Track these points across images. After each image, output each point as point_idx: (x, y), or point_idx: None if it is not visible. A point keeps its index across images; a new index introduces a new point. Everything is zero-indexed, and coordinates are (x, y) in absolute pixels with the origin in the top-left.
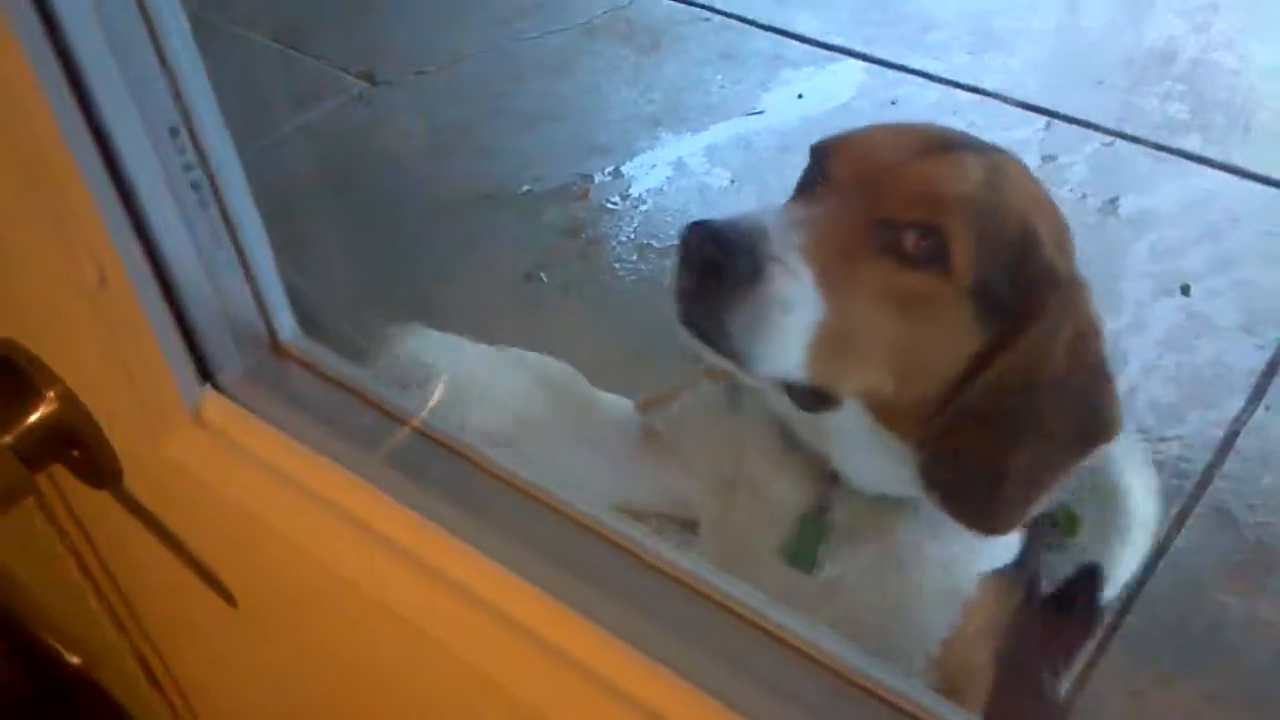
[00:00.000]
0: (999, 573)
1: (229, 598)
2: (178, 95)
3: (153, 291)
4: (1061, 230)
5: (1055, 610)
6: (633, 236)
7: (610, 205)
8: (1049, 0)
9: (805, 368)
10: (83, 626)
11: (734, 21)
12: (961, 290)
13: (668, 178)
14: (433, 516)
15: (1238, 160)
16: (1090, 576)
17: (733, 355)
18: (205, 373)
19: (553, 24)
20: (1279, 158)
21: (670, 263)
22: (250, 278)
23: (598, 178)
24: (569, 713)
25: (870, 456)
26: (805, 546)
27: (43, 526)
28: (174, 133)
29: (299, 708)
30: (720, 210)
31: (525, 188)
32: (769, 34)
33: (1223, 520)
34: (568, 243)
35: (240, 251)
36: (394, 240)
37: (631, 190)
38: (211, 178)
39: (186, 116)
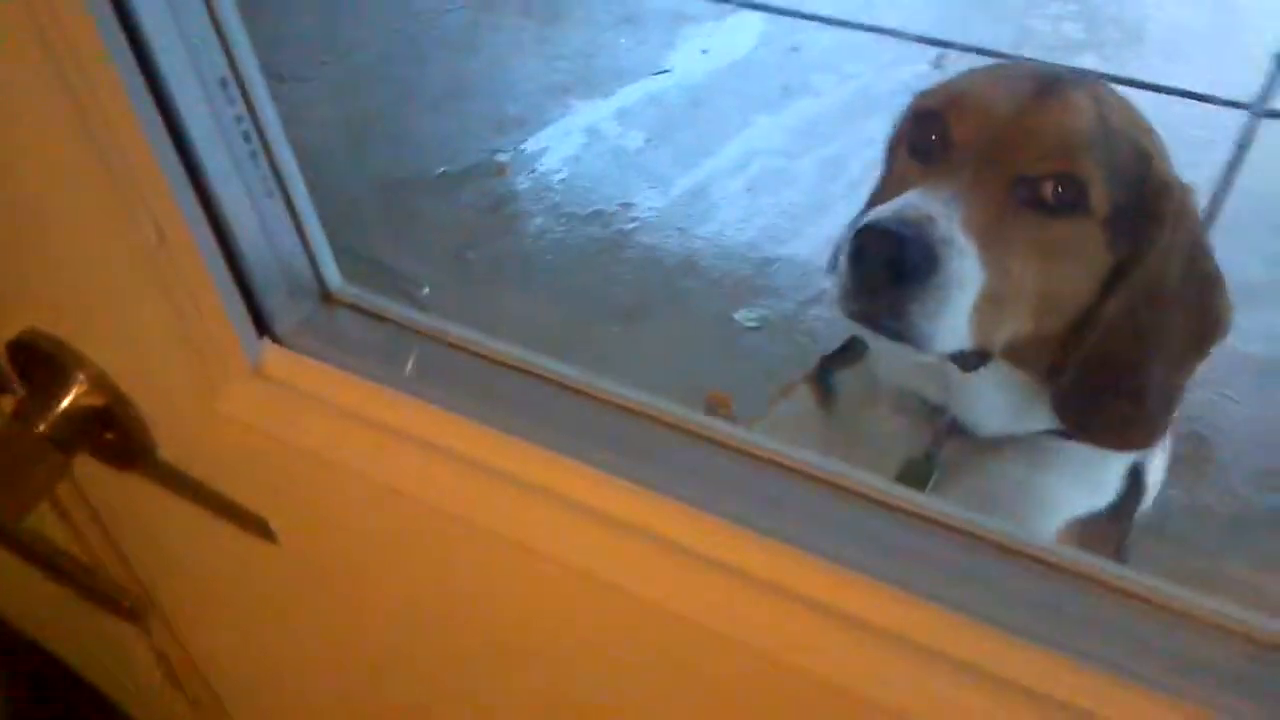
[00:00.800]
0: (1091, 519)
1: (270, 535)
2: (225, 45)
3: (211, 246)
4: (1162, 143)
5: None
6: (556, 206)
7: (529, 178)
8: None
9: (971, 335)
10: (90, 633)
11: None
12: (1100, 223)
13: (583, 144)
14: (501, 426)
15: (1134, 73)
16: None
17: (914, 339)
18: (262, 326)
19: (450, 4)
20: (1172, 67)
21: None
22: (299, 229)
23: (513, 152)
24: (687, 597)
25: (996, 397)
26: (912, 484)
27: (54, 524)
28: (224, 84)
29: (337, 657)
30: (638, 172)
31: (441, 169)
32: None
33: None
34: (491, 219)
35: (289, 203)
36: (329, 227)
37: (548, 161)
38: (260, 129)
39: (234, 67)
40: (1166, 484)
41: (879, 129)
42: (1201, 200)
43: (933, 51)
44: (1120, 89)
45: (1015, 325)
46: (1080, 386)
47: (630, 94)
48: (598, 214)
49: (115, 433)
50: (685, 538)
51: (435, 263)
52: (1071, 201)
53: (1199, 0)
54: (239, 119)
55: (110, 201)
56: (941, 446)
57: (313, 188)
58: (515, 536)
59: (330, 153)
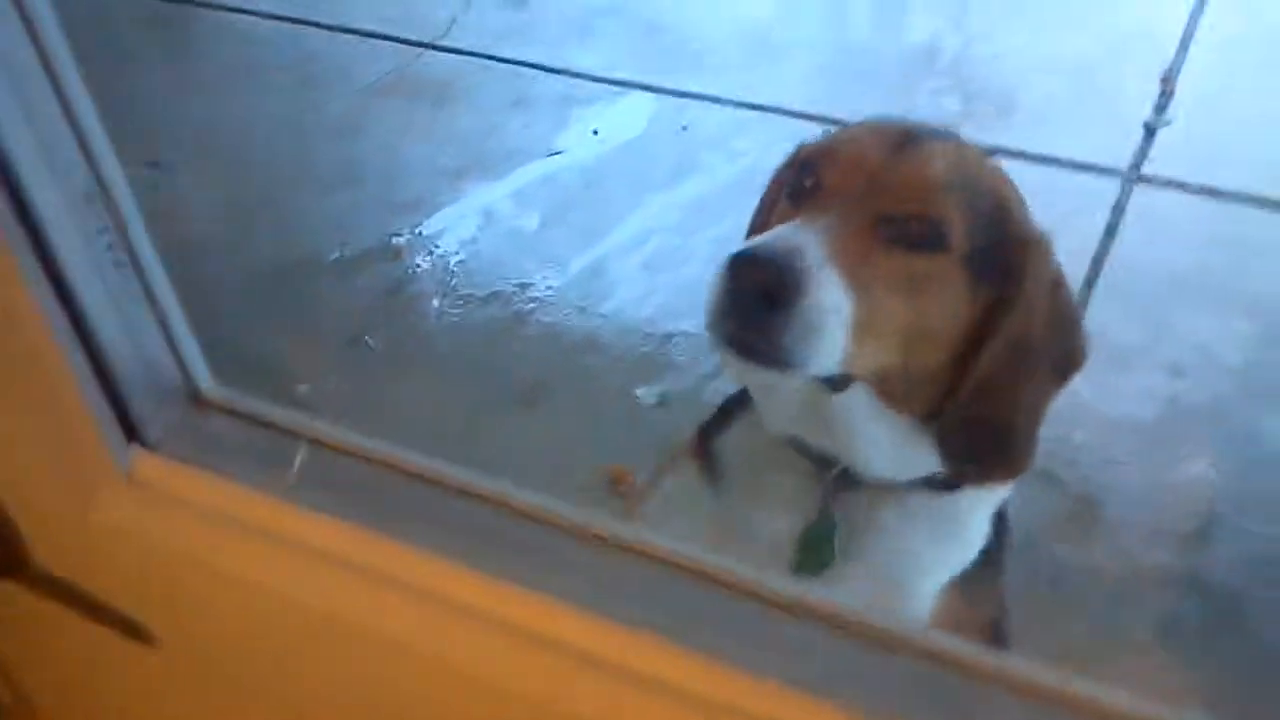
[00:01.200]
0: (969, 577)
1: (148, 638)
2: (90, 161)
3: (78, 356)
4: (1019, 194)
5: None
6: (453, 288)
7: (425, 261)
8: (815, 13)
9: (841, 358)
10: None
11: (519, 68)
12: (958, 262)
13: (479, 226)
14: (374, 526)
15: (1008, 142)
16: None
17: (786, 364)
18: (131, 433)
19: (336, 89)
20: (1046, 136)
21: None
22: (168, 333)
23: (408, 235)
24: (529, 683)
25: (878, 434)
26: (818, 551)
27: None
28: (89, 199)
29: None
30: (535, 252)
31: (334, 255)
32: (555, 76)
33: (1046, 481)
34: (389, 303)
35: (156, 308)
36: (211, 320)
37: (444, 243)
38: (126, 239)
39: (100, 181)
40: (1053, 542)
41: None
42: (1079, 266)
43: (814, 127)
44: (998, 159)
45: (885, 355)
46: (960, 424)
47: (524, 175)
48: (496, 295)
49: None
50: (554, 632)
51: (332, 348)
52: (931, 239)
53: (1069, 71)
54: (103, 230)
55: None
56: (834, 501)
57: (196, 277)
58: (389, 634)
59: (215, 240)
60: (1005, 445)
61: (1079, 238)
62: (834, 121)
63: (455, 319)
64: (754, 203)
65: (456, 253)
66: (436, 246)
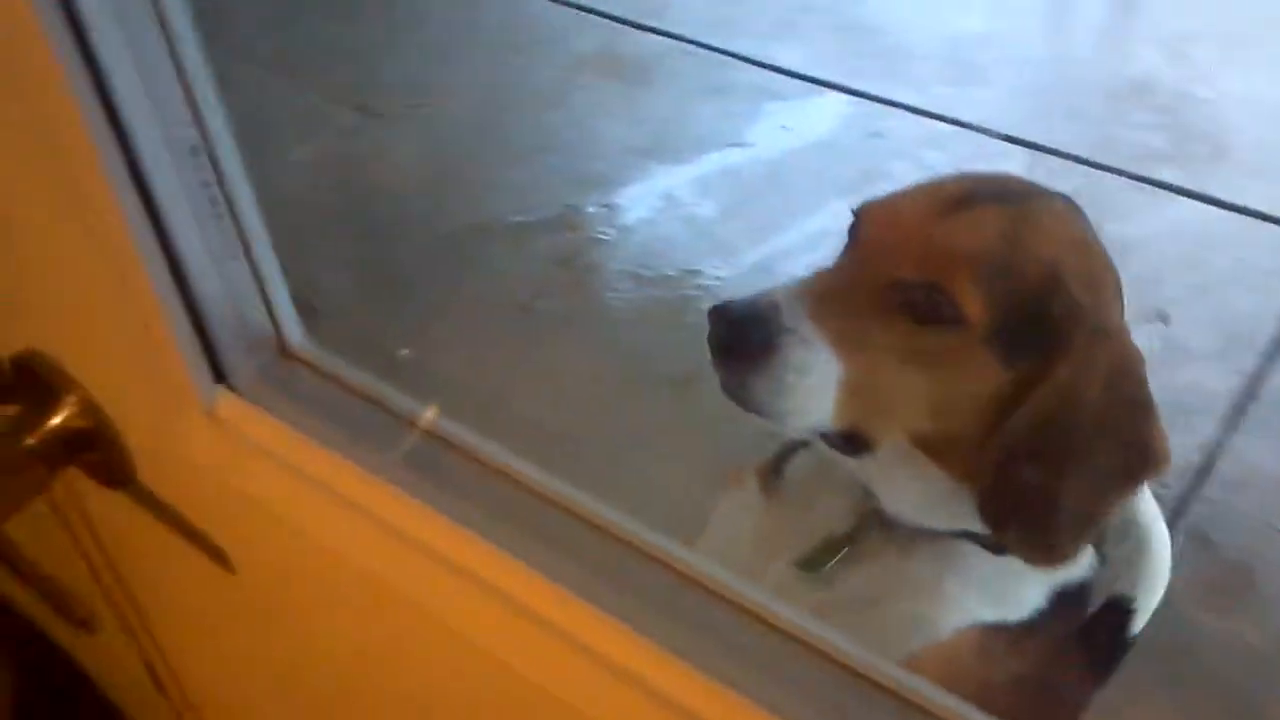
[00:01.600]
0: (996, 628)
1: (228, 565)
2: (197, 118)
3: (172, 297)
4: (1096, 273)
5: (1080, 645)
6: (624, 266)
7: (602, 235)
8: (1029, 32)
9: (835, 418)
10: (92, 635)
11: (721, 56)
12: (978, 339)
13: (657, 208)
14: (427, 499)
15: (1215, 190)
16: (1118, 609)
17: (765, 415)
18: (219, 373)
19: (544, 59)
20: (1255, 186)
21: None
22: (261, 287)
23: (589, 208)
24: (567, 687)
25: (910, 485)
26: (820, 556)
27: (58, 534)
28: (194, 151)
29: (293, 684)
30: (708, 241)
31: (517, 219)
32: (755, 68)
33: (1200, 544)
34: (561, 273)
35: (252, 262)
36: (389, 272)
37: (622, 220)
38: (226, 194)
39: (205, 137)
40: (1197, 610)
41: None
42: (1270, 326)
43: (1012, 150)
44: (1199, 205)
45: (897, 420)
46: (995, 493)
47: (708, 163)
48: (664, 278)
49: (99, 454)
50: (611, 652)
51: (500, 309)
52: (941, 314)
53: None
54: (206, 184)
55: (84, 248)
56: (864, 530)
57: (377, 224)
58: (436, 613)
59: (408, 193)
60: (1045, 527)
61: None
62: (1032, 145)
63: (621, 296)
64: None
65: (632, 231)
66: (613, 223)
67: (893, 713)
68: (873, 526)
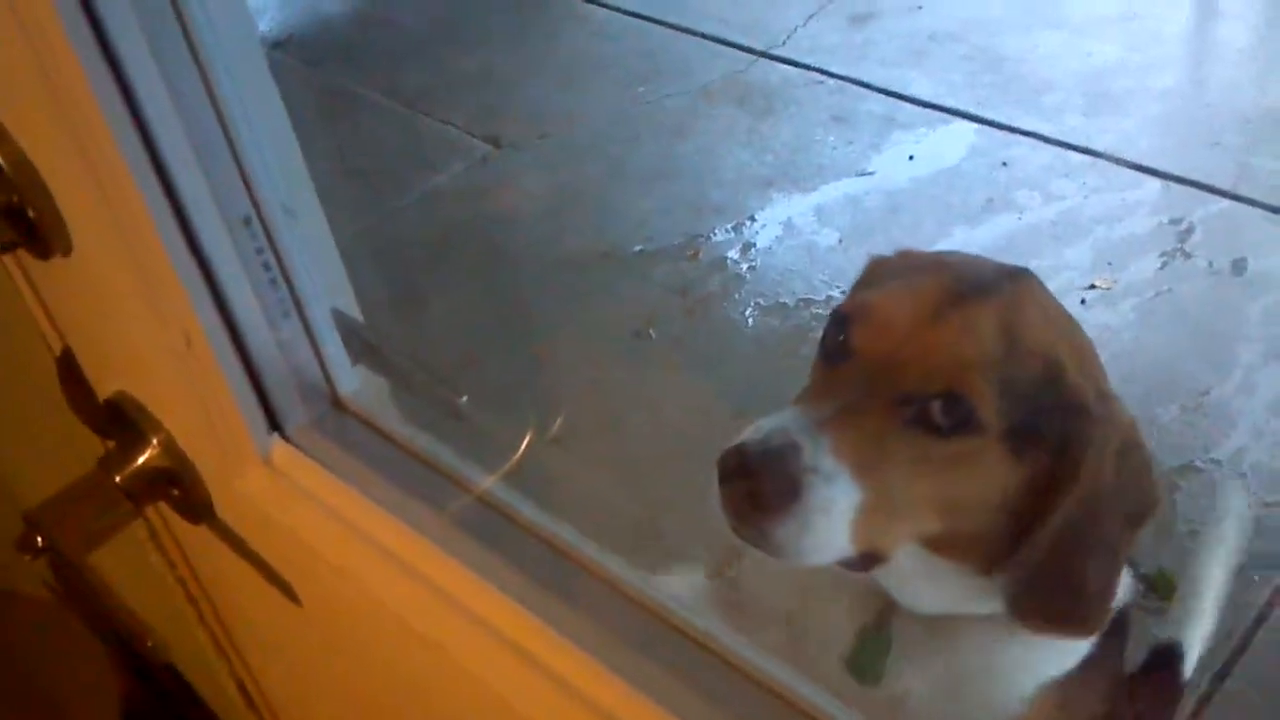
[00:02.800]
0: (1066, 677)
1: (295, 599)
2: (249, 190)
3: (229, 354)
4: (1082, 349)
5: (1141, 688)
6: (743, 294)
7: (720, 264)
8: (1166, 61)
9: (855, 543)
10: (190, 652)
11: (847, 84)
12: (993, 440)
13: (777, 237)
14: (468, 560)
15: None
16: (1170, 654)
17: (785, 557)
18: (274, 423)
19: (671, 88)
20: None
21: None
22: (314, 342)
23: (709, 237)
24: None
25: (928, 585)
26: (869, 658)
27: (156, 560)
28: (246, 221)
29: (357, 709)
30: (828, 269)
31: (638, 247)
32: (881, 96)
33: None
34: (677, 300)
35: (305, 320)
36: (511, 297)
37: (741, 250)
38: (279, 259)
39: (257, 208)
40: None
41: (1076, 255)
42: None
43: (1145, 180)
44: None
45: (911, 533)
46: (1028, 586)
47: (830, 192)
48: (781, 305)
49: (182, 492)
50: None
51: (615, 336)
52: (960, 422)
53: None
54: (259, 251)
55: (149, 309)
56: (888, 617)
57: (504, 253)
58: (484, 680)
59: (533, 221)
60: (1076, 605)
61: None
62: (1165, 175)
63: (737, 325)
64: (1060, 251)
65: (752, 260)
66: (734, 252)
67: None
68: (897, 616)
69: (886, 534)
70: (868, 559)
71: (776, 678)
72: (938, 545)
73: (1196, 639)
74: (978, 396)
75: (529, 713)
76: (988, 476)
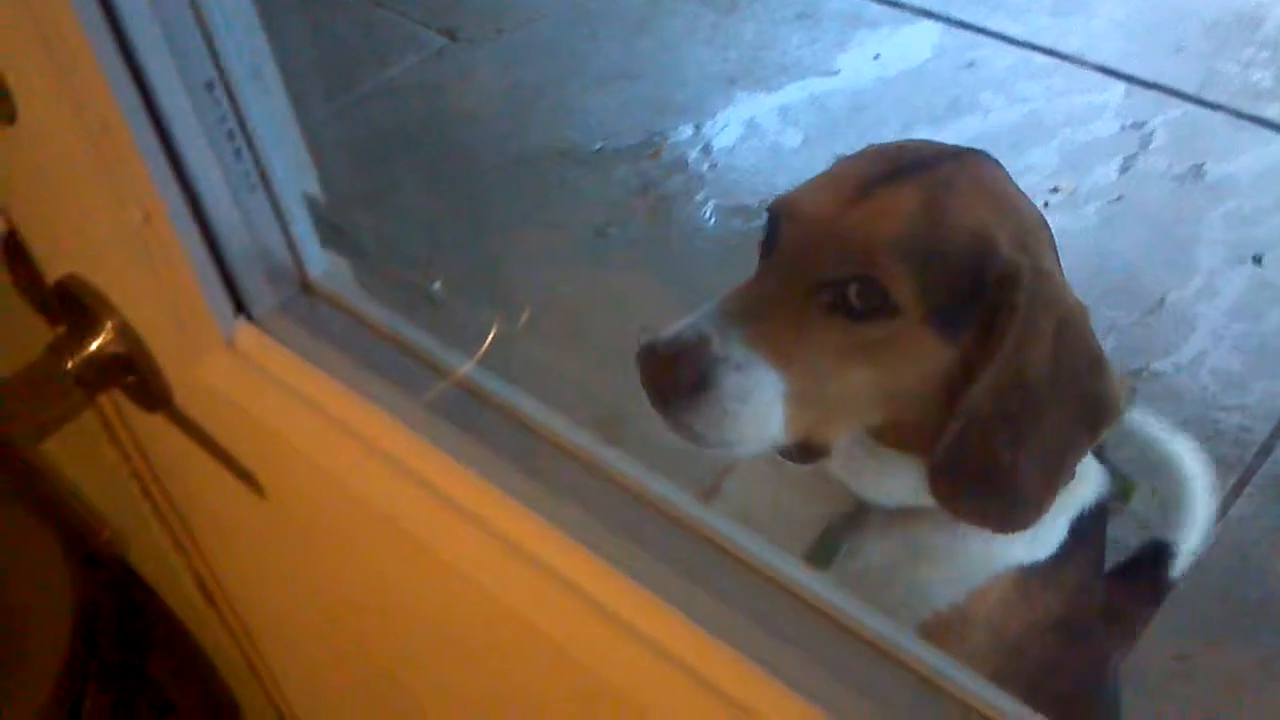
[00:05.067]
0: (1029, 569)
1: (259, 489)
2: (213, 52)
3: (191, 230)
4: (1027, 226)
5: (1121, 585)
6: (704, 194)
7: (681, 164)
8: None
9: (788, 433)
10: (147, 547)
11: None
12: (917, 321)
13: (740, 137)
14: (441, 444)
15: None
16: (1157, 552)
17: (714, 447)
18: (240, 305)
19: None
20: None
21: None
22: (282, 220)
23: (671, 136)
24: (578, 638)
25: (881, 476)
26: (826, 547)
27: (110, 452)
28: (210, 87)
29: (325, 603)
30: (791, 171)
31: (599, 145)
32: None
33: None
34: (638, 200)
35: (272, 196)
36: (470, 193)
37: (703, 149)
38: (244, 128)
39: (221, 72)
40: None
41: (1040, 158)
42: None
43: (1110, 83)
44: None
45: (851, 420)
46: (949, 469)
47: (795, 92)
48: (742, 208)
49: (137, 378)
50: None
51: (575, 235)
52: (876, 304)
53: None
54: (223, 119)
55: (105, 183)
56: (863, 514)
57: (459, 150)
58: (458, 567)
59: (491, 117)
60: (1008, 496)
61: None
62: (1130, 79)
63: (698, 226)
64: (1024, 154)
65: (713, 160)
66: (695, 151)
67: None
68: (865, 510)
69: (822, 422)
70: (809, 450)
71: (751, 552)
72: (883, 434)
73: (1187, 534)
74: (888, 278)
75: (510, 600)
76: (916, 361)
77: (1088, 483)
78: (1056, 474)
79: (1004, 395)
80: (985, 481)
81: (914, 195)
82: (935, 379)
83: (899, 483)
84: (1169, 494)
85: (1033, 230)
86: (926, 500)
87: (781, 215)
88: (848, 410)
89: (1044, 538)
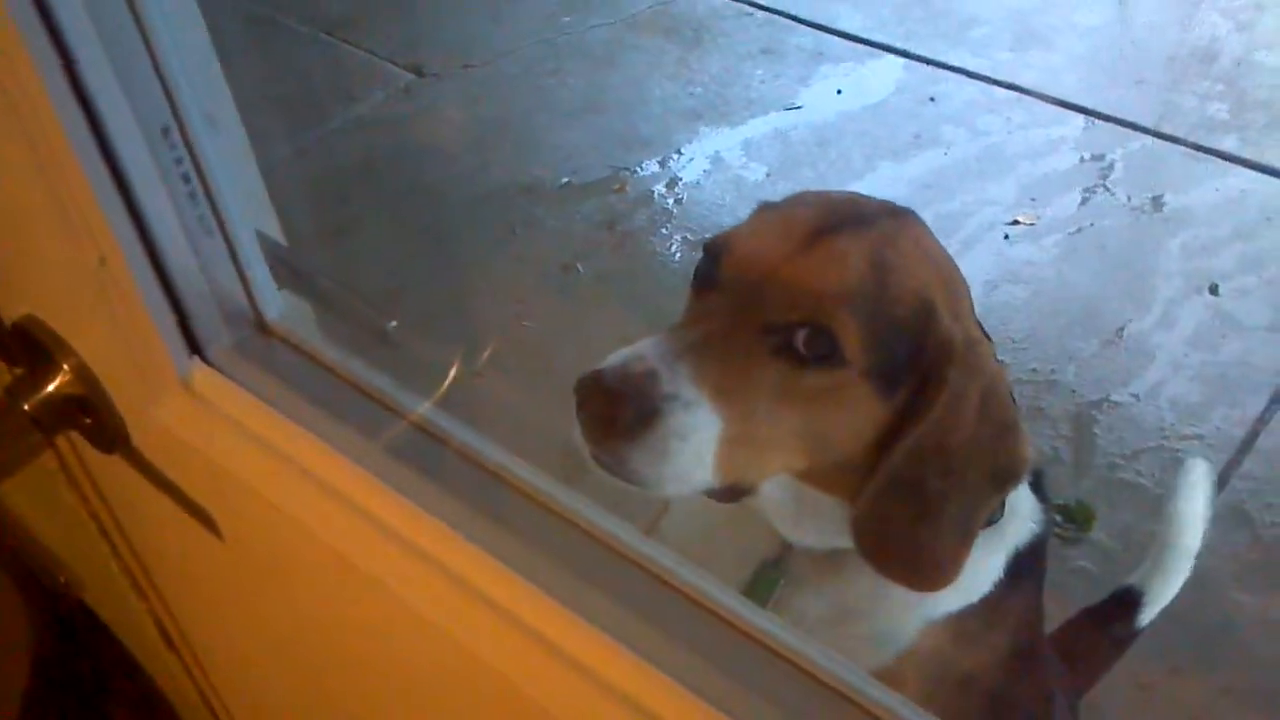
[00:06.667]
0: (963, 612)
1: (217, 530)
2: (169, 98)
3: (147, 273)
4: (957, 292)
5: (1086, 630)
6: (668, 229)
7: (647, 198)
8: None
9: (715, 475)
10: (105, 590)
11: (776, 17)
12: (858, 375)
13: (705, 171)
14: (396, 485)
15: (1274, 160)
16: (1128, 598)
17: (644, 485)
18: (195, 347)
19: (597, 18)
20: None
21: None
22: (238, 263)
23: (636, 171)
24: (529, 677)
25: (806, 518)
26: (757, 594)
27: (67, 494)
28: (165, 131)
29: (286, 647)
30: (755, 201)
31: (564, 180)
32: (810, 29)
33: (1239, 519)
34: (604, 235)
35: (228, 239)
36: (436, 229)
37: (668, 184)
38: (200, 172)
39: (177, 117)
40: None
41: (1000, 191)
42: None
43: (1069, 116)
44: (1258, 175)
45: (776, 464)
46: (870, 526)
47: (759, 126)
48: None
49: (94, 419)
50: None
51: (541, 270)
52: (823, 352)
53: None
54: (179, 162)
55: (60, 225)
56: (787, 553)
57: (426, 186)
58: (416, 609)
59: (457, 153)
60: (925, 556)
61: None
62: (1089, 112)
63: (664, 259)
64: (985, 186)
65: (678, 194)
66: (660, 186)
67: None
68: (795, 550)
69: (751, 465)
70: (734, 490)
71: (705, 592)
72: (808, 477)
73: (1161, 592)
74: (841, 328)
75: (466, 641)
76: (851, 411)
77: (1020, 519)
78: (968, 533)
79: (925, 458)
80: (905, 541)
81: (862, 250)
82: (866, 431)
83: (822, 523)
84: (1158, 542)
85: (963, 294)
86: (850, 541)
87: (723, 254)
88: (776, 453)
89: (972, 582)
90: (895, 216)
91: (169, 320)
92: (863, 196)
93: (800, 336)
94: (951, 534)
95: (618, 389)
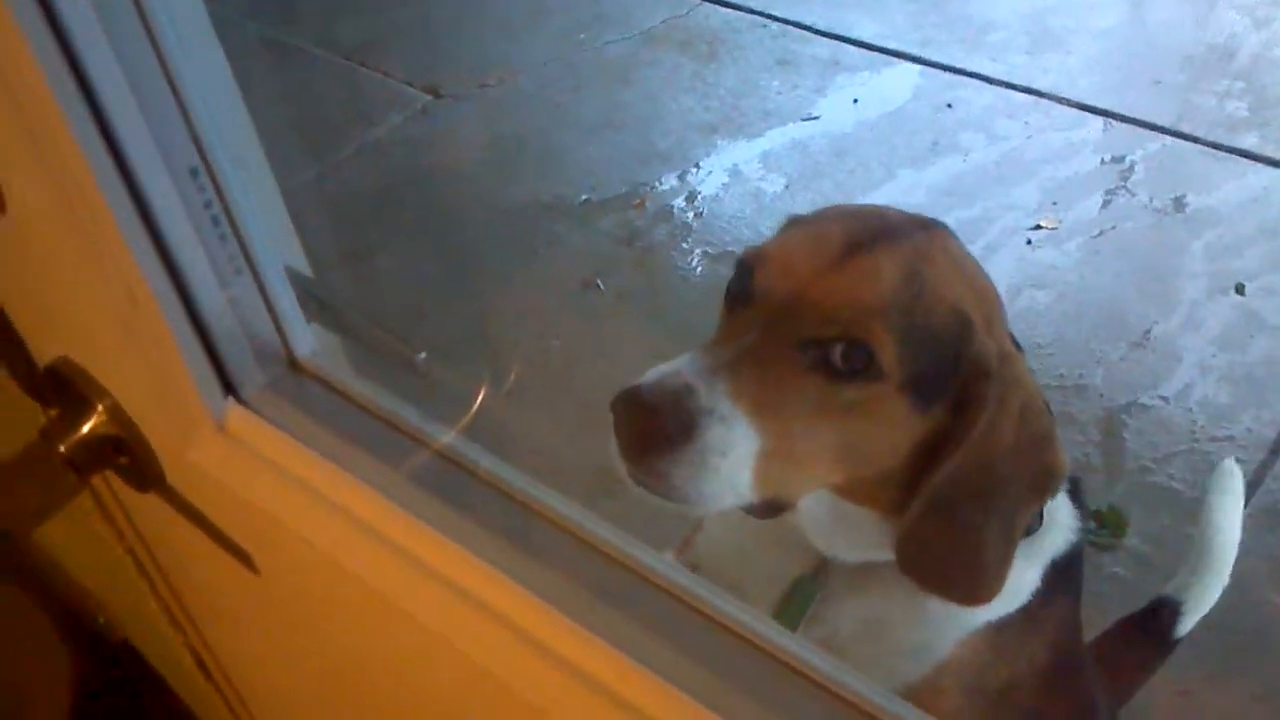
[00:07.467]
0: (1001, 623)
1: (253, 566)
2: (196, 140)
3: (178, 314)
4: (991, 304)
5: (1123, 640)
6: (689, 244)
7: (667, 213)
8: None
9: (754, 490)
10: (143, 625)
11: (791, 28)
12: (894, 389)
13: (724, 184)
14: (429, 519)
15: None
16: (1166, 608)
17: (682, 501)
18: (228, 387)
19: (613, 34)
20: None
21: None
22: (268, 301)
23: (655, 186)
24: (570, 711)
25: (844, 532)
26: (792, 609)
27: (103, 530)
28: (194, 173)
29: (324, 680)
30: (775, 215)
31: (584, 197)
32: (826, 39)
33: (1273, 521)
34: (624, 250)
35: (258, 277)
36: (456, 250)
37: (688, 198)
38: (228, 212)
39: (204, 158)
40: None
41: (1021, 195)
42: None
43: (1088, 119)
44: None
45: (814, 480)
46: (914, 546)
47: (777, 137)
48: (729, 255)
49: (130, 459)
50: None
51: (563, 288)
52: (860, 366)
53: None
54: (207, 204)
55: (93, 268)
56: (823, 568)
57: (446, 206)
58: (452, 642)
59: (476, 173)
60: (970, 570)
61: None
62: (1108, 114)
63: (686, 273)
64: (1006, 191)
65: (698, 208)
66: (680, 200)
67: None
68: (831, 565)
69: (789, 480)
70: (773, 505)
71: (736, 618)
72: (845, 492)
73: (1199, 601)
74: (878, 342)
75: (498, 672)
76: (888, 425)
77: (1058, 528)
78: (1011, 543)
79: (967, 478)
80: (949, 557)
81: (896, 264)
82: (903, 444)
83: (859, 537)
84: (1194, 549)
85: (996, 306)
86: (887, 554)
87: (756, 270)
88: (814, 467)
89: (1011, 591)
90: (927, 229)
91: (201, 361)
92: (892, 210)
93: (836, 351)
94: (994, 548)
95: (655, 405)
